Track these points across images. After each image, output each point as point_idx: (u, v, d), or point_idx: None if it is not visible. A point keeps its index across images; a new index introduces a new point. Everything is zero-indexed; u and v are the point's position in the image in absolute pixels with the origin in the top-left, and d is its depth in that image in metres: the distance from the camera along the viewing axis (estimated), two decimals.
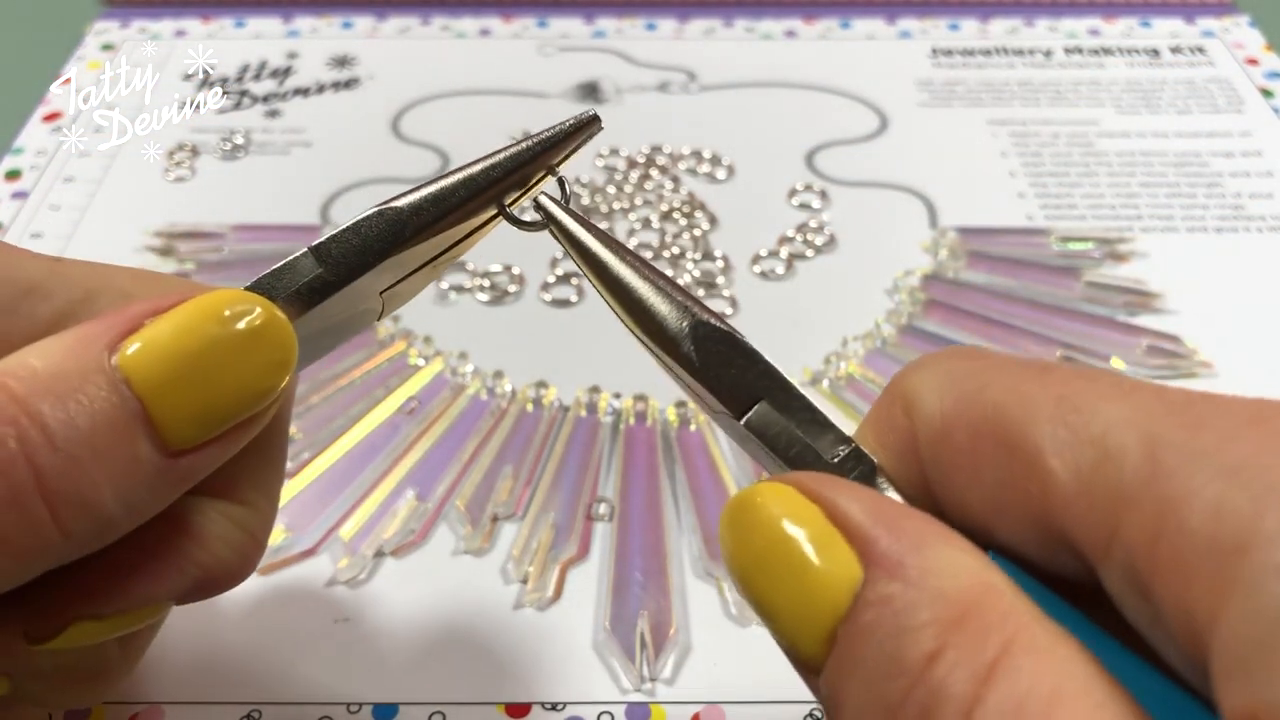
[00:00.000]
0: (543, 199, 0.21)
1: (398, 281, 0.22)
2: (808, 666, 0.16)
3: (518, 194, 0.22)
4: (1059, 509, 0.15)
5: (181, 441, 0.19)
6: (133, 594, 0.20)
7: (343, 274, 0.21)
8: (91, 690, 0.23)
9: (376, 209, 0.21)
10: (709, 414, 0.20)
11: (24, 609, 0.20)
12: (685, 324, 0.19)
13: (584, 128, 0.22)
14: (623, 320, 0.20)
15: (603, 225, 0.42)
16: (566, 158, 0.22)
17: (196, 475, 0.20)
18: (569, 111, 0.48)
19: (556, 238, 0.21)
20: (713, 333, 0.19)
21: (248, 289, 0.20)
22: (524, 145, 0.21)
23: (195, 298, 0.19)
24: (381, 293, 0.22)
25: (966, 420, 0.17)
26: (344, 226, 0.21)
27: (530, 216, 0.22)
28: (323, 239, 0.21)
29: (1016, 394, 0.16)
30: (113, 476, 0.18)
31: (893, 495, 0.18)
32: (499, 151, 0.21)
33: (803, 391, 0.19)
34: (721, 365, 0.19)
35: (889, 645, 0.14)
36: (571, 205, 0.21)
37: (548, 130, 0.22)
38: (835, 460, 0.19)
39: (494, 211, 0.22)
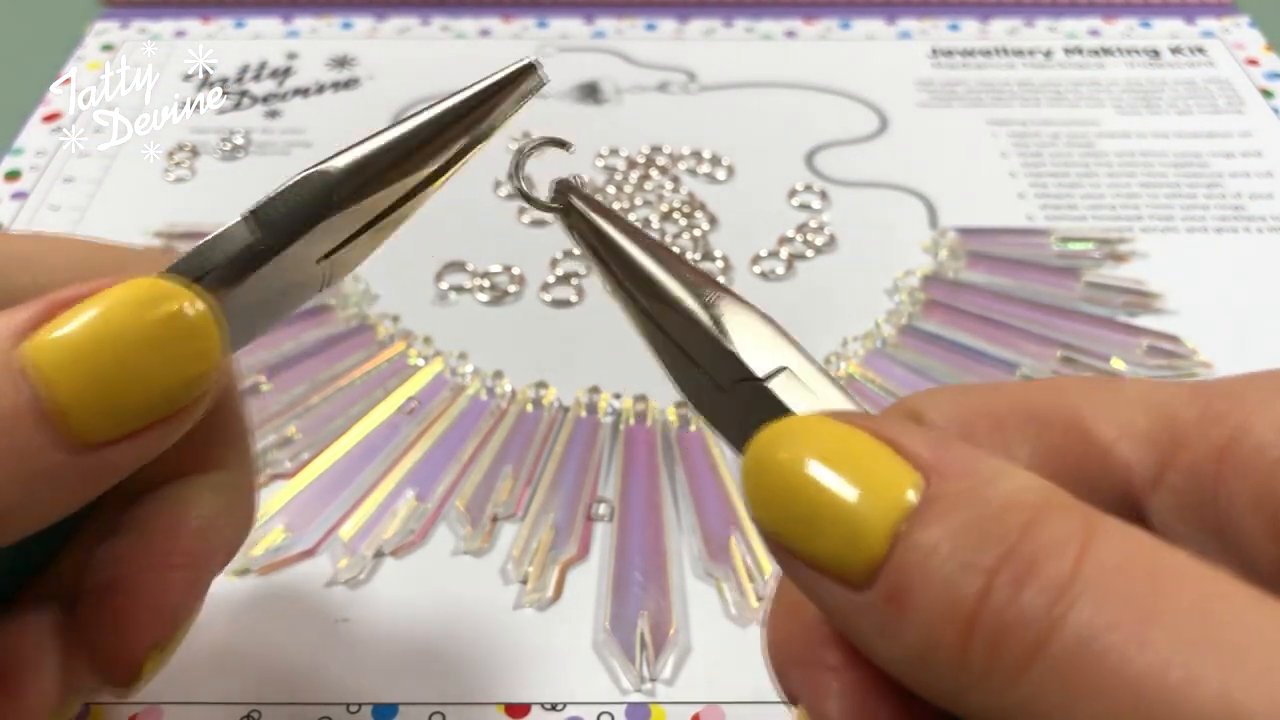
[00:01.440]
0: (565, 181, 0.20)
1: (338, 247, 0.21)
2: (859, 575, 0.14)
3: (470, 149, 0.21)
4: (1105, 458, 0.16)
5: (94, 435, 0.18)
6: (178, 612, 0.21)
7: (276, 240, 0.20)
8: None
9: (308, 171, 0.20)
10: (706, 400, 0.19)
11: (92, 653, 0.20)
12: (714, 293, 0.19)
13: (519, 77, 0.20)
14: (634, 295, 0.19)
15: None
16: (507, 115, 0.21)
17: (120, 470, 0.19)
18: (569, 112, 0.48)
19: (568, 220, 0.20)
20: (739, 301, 0.19)
21: (177, 264, 0.20)
22: (457, 100, 0.20)
23: (111, 286, 0.19)
24: (320, 260, 0.21)
25: (990, 409, 0.17)
26: (278, 190, 0.20)
27: (538, 196, 0.20)
28: (258, 203, 0.20)
29: (1038, 392, 0.18)
30: (9, 470, 0.17)
31: None
32: (432, 106, 0.20)
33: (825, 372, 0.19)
34: (747, 333, 0.19)
35: (974, 518, 0.14)
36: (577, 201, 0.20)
37: (480, 81, 0.20)
38: None
39: (431, 170, 0.20)
